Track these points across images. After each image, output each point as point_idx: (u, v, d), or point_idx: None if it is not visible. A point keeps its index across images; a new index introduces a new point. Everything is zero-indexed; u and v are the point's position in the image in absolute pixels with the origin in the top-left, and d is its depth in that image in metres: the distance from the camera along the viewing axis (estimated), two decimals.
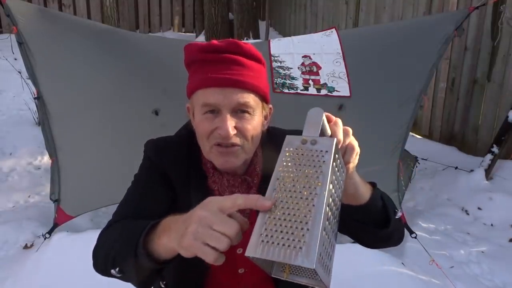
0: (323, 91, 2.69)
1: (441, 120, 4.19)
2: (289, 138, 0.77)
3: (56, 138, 2.66)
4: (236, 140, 1.00)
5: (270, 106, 1.12)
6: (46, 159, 3.73)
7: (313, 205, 0.68)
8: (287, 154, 0.75)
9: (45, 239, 2.61)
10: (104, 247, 0.96)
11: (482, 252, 2.79)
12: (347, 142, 0.82)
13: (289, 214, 0.68)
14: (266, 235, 0.67)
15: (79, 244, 2.50)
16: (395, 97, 2.75)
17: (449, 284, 2.40)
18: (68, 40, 2.63)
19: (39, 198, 3.33)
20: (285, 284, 1.15)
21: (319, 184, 0.70)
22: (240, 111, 1.00)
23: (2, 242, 2.75)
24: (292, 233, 0.66)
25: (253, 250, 0.67)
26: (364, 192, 0.91)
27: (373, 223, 0.97)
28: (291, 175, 0.72)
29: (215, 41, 1.02)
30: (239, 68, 0.99)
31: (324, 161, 0.72)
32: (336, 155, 0.75)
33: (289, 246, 0.65)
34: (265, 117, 1.10)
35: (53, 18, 2.72)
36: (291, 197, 0.70)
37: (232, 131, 0.98)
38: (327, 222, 0.70)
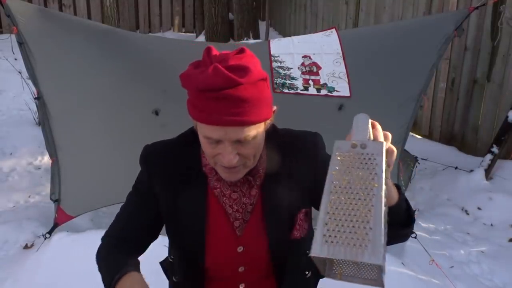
0: (323, 91, 2.69)
1: (441, 120, 4.19)
2: (338, 143, 0.80)
3: (56, 138, 2.65)
4: (240, 162, 1.01)
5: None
6: (46, 159, 3.73)
7: (372, 205, 0.71)
8: (338, 158, 0.78)
9: (45, 239, 2.61)
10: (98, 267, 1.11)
11: (482, 252, 2.79)
12: (387, 146, 0.84)
13: (349, 214, 0.72)
14: (330, 236, 0.70)
15: (79, 244, 2.50)
16: (395, 97, 2.75)
17: (449, 284, 2.40)
18: (68, 40, 2.63)
19: (39, 198, 3.33)
20: (288, 282, 1.16)
21: (376, 185, 0.73)
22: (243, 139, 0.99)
23: (2, 242, 2.75)
24: (356, 232, 0.69)
25: (318, 250, 0.69)
26: (394, 194, 0.93)
27: (398, 223, 0.98)
28: (346, 177, 0.75)
29: (210, 78, 0.92)
30: (239, 103, 0.94)
31: (377, 163, 0.76)
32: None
33: (354, 245, 0.68)
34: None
35: (53, 18, 2.71)
36: (348, 198, 0.73)
37: (234, 159, 0.98)
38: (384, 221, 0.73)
